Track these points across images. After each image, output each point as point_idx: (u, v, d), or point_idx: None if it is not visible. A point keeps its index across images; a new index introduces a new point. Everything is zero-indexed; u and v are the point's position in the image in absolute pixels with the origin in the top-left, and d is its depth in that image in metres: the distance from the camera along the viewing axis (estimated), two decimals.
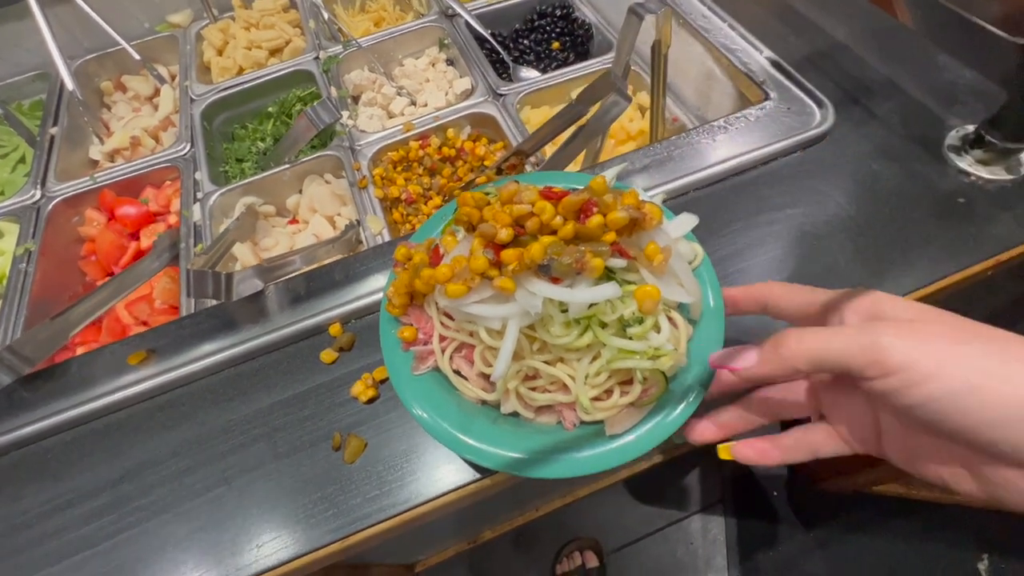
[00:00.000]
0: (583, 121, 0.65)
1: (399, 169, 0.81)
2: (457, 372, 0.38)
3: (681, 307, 0.36)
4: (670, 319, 0.35)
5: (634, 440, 0.34)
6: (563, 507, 1.51)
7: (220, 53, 0.99)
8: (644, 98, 0.82)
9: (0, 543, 0.44)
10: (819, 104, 0.59)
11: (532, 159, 0.75)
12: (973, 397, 0.24)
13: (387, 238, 0.70)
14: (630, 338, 0.33)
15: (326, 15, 0.98)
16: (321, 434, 0.46)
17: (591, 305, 0.33)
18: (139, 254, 0.83)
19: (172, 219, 0.84)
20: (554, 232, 0.34)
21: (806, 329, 0.29)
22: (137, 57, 0.96)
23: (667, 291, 0.34)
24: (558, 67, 0.96)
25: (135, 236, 0.84)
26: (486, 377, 0.38)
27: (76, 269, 0.82)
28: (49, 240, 0.78)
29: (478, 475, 0.43)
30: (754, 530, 1.58)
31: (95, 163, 0.95)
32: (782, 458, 0.34)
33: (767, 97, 0.61)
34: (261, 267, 0.53)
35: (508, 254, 0.32)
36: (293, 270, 0.58)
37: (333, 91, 0.89)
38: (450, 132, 0.82)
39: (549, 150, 0.74)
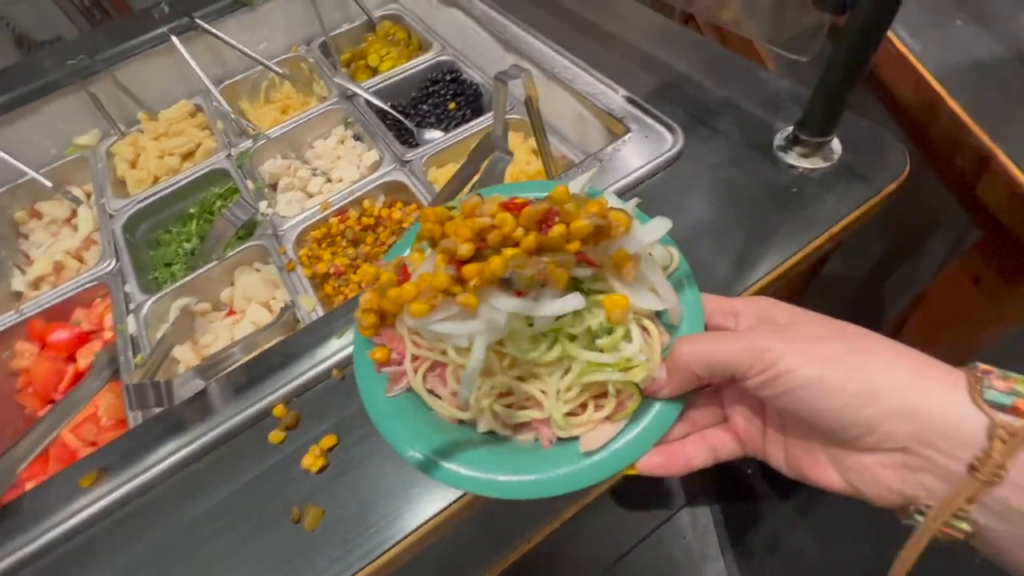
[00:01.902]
0: (476, 178, 0.73)
1: (324, 245, 0.86)
2: (431, 392, 0.39)
3: (659, 314, 0.36)
4: (644, 328, 0.35)
5: (608, 457, 0.35)
6: (554, 532, 1.53)
7: (133, 166, 1.03)
8: (534, 143, 0.91)
9: None
10: (670, 129, 0.69)
11: None
12: (821, 386, 0.28)
13: (320, 313, 0.75)
14: (600, 350, 0.34)
15: (232, 115, 1.04)
16: (280, 511, 0.49)
17: (558, 318, 0.33)
18: (78, 375, 0.83)
19: (107, 335, 0.85)
20: (516, 244, 0.34)
21: (695, 336, 0.33)
22: (48, 184, 0.98)
23: (637, 299, 0.34)
24: (458, 125, 1.05)
25: (71, 359, 0.84)
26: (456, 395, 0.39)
27: (14, 404, 0.82)
28: None
29: (436, 510, 0.47)
30: (739, 511, 1.64)
31: (19, 295, 0.95)
32: (687, 464, 0.35)
33: (628, 130, 0.71)
34: (201, 367, 0.57)
35: (469, 269, 0.33)
36: (234, 362, 0.62)
37: (250, 184, 0.94)
38: (366, 203, 0.88)
39: None
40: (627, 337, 0.35)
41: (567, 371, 0.35)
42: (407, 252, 0.43)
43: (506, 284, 0.34)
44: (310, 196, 0.97)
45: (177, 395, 0.53)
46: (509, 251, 0.33)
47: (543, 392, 0.36)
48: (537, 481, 0.35)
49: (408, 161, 0.90)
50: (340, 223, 0.87)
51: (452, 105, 1.07)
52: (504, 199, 0.36)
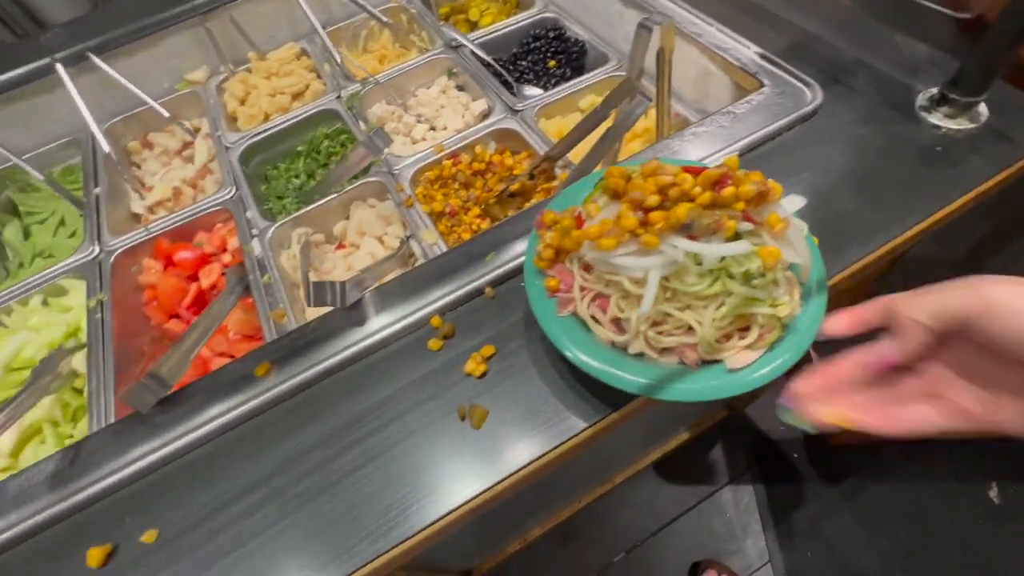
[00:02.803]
0: (608, 123, 0.75)
1: (436, 187, 0.89)
2: (592, 318, 0.47)
3: (792, 269, 0.45)
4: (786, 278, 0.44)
5: (755, 372, 0.43)
6: (602, 496, 1.57)
7: (242, 103, 1.06)
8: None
9: (170, 546, 0.48)
10: (807, 85, 0.70)
11: (560, 163, 0.84)
12: None
13: (443, 247, 0.78)
14: (753, 288, 0.41)
15: (338, 58, 1.06)
16: (446, 410, 0.52)
17: (722, 259, 0.41)
18: (200, 293, 0.88)
19: (226, 258, 0.90)
20: (691, 200, 0.42)
21: (914, 291, 0.35)
22: (166, 114, 1.02)
23: (785, 252, 0.42)
24: (556, 83, 1.06)
25: (194, 277, 0.89)
26: (617, 322, 0.46)
27: (141, 315, 0.87)
28: (116, 290, 0.83)
29: (596, 418, 0.50)
30: (782, 493, 1.67)
31: (138, 217, 1.00)
32: (904, 427, 0.36)
33: (762, 85, 0.72)
34: (357, 278, 0.60)
35: (656, 215, 0.41)
36: (369, 285, 0.65)
37: (361, 125, 0.97)
38: (478, 148, 0.90)
39: (574, 154, 0.83)
40: (775, 281, 0.43)
41: (721, 305, 0.43)
42: (564, 205, 0.53)
43: (683, 229, 0.42)
44: (415, 142, 1.00)
45: (348, 297, 0.56)
46: (686, 204, 0.42)
47: (697, 321, 0.43)
48: (699, 387, 0.43)
49: (519, 111, 0.92)
50: (453, 166, 0.89)
51: (552, 63, 1.08)
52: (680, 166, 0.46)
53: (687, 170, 0.43)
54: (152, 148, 1.09)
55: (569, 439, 0.50)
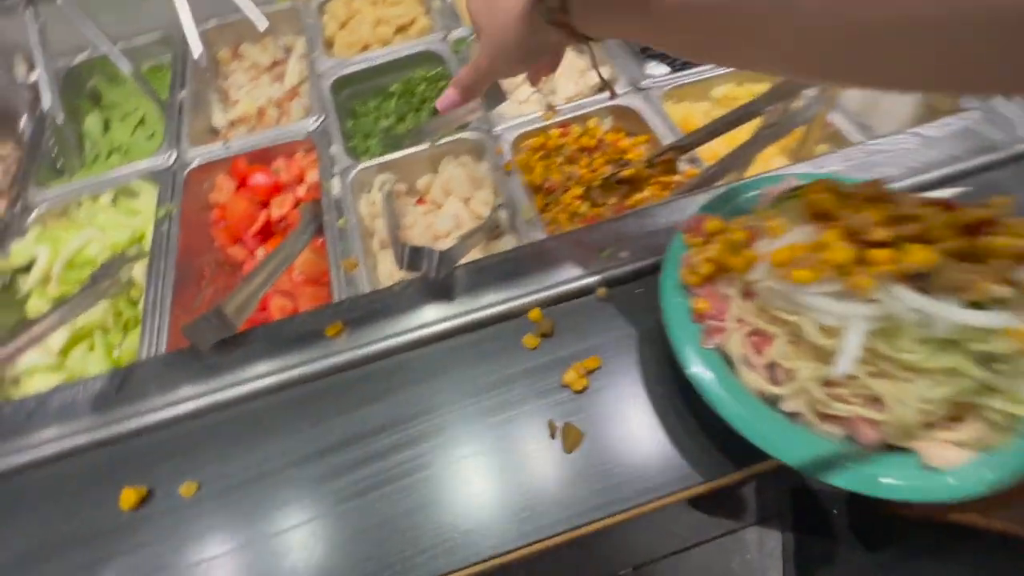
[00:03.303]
0: (759, 122, 0.64)
1: (537, 156, 0.80)
2: (744, 357, 0.38)
3: None
4: None
5: (963, 478, 0.33)
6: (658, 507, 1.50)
7: (343, 27, 0.99)
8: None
9: (206, 504, 0.43)
10: None
11: (685, 157, 0.73)
12: None
13: (538, 225, 0.69)
14: (996, 374, 0.32)
15: None
16: (535, 421, 0.45)
17: (961, 329, 0.31)
18: (269, 223, 0.83)
19: (301, 191, 0.84)
20: (930, 242, 0.32)
21: None
22: (264, 25, 0.95)
23: None
24: (686, 64, 0.94)
25: (265, 205, 0.83)
26: (772, 369, 0.37)
27: (207, 235, 0.82)
28: (187, 204, 0.78)
29: (714, 474, 0.42)
30: (812, 547, 1.56)
31: (217, 130, 0.95)
32: None
33: (964, 107, 0.59)
34: (454, 248, 0.52)
35: (880, 254, 0.31)
36: (459, 257, 0.57)
37: None
38: (591, 123, 0.81)
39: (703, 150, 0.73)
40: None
41: (938, 385, 0.33)
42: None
43: (914, 279, 0.32)
44: (518, 103, 0.90)
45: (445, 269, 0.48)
46: (925, 247, 0.32)
47: (898, 399, 0.33)
48: (884, 483, 0.34)
49: (645, 88, 0.81)
50: (560, 137, 0.80)
51: None
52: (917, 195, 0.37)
53: (934, 204, 0.33)
54: (242, 60, 1.04)
55: (674, 492, 0.42)
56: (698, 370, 0.39)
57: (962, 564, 1.50)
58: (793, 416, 0.38)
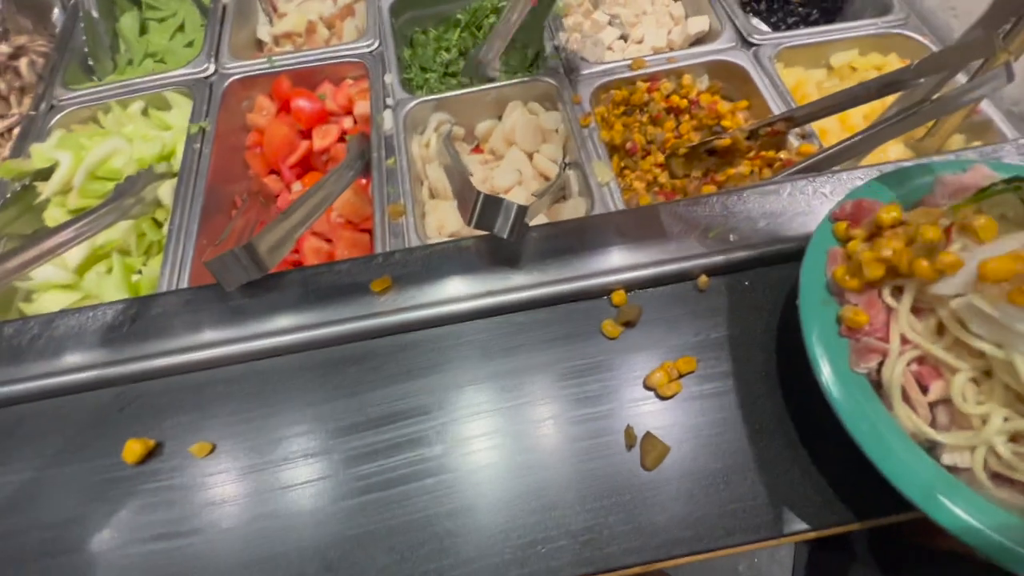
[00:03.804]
0: (891, 100, 0.53)
1: (619, 112, 0.70)
2: (903, 390, 0.30)
3: None
4: None
5: None
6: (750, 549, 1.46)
7: None
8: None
9: (219, 465, 0.37)
10: None
11: (797, 130, 0.62)
12: None
13: (616, 191, 0.60)
14: None
15: None
16: (610, 426, 0.37)
17: None
18: (308, 155, 0.75)
19: (347, 123, 0.75)
20: None
21: None
22: None
23: None
24: (796, 24, 0.81)
25: (307, 134, 0.75)
26: (937, 409, 0.29)
27: (241, 160, 0.75)
28: (223, 122, 0.71)
29: (826, 522, 0.34)
30: (824, 561, 1.50)
31: (261, 44, 0.86)
32: None
33: None
34: (532, 206, 0.44)
35: None
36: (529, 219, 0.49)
37: None
38: (686, 79, 0.69)
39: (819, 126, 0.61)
40: None
41: None
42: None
43: None
44: (599, 48, 0.79)
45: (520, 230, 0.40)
46: None
47: None
48: None
49: (756, 45, 0.69)
50: (647, 92, 0.69)
51: None
52: None
53: None
54: None
55: (772, 537, 0.34)
56: (843, 396, 0.30)
57: None
58: (954, 471, 0.30)
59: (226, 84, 0.73)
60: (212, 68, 0.74)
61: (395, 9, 0.80)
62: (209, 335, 0.42)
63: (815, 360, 0.31)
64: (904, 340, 0.30)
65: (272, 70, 0.74)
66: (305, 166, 0.76)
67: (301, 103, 0.74)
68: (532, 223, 0.46)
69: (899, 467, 0.29)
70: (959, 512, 0.28)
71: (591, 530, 0.34)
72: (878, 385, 0.31)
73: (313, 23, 0.82)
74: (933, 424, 0.30)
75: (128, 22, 0.87)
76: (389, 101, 0.70)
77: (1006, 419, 0.27)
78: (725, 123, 0.68)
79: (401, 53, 0.79)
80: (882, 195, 0.35)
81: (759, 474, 0.35)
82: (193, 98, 0.72)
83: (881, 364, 0.31)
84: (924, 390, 0.30)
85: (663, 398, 0.38)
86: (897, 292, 0.31)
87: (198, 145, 0.67)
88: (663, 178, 0.67)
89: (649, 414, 0.38)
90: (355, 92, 0.75)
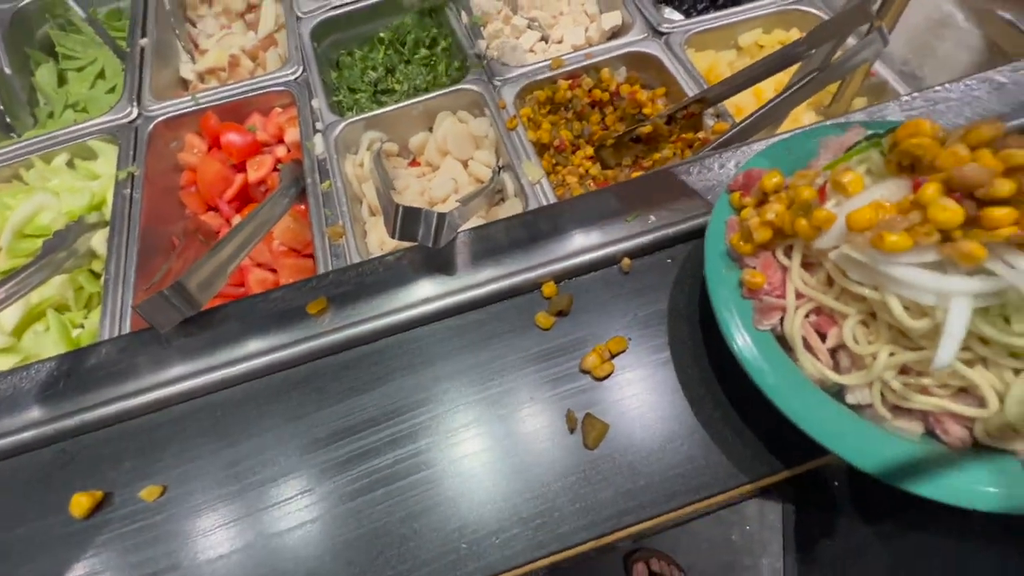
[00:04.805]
0: (792, 71, 0.56)
1: (545, 111, 0.72)
2: (804, 340, 0.32)
3: None
4: None
5: None
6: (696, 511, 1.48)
7: None
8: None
9: (172, 509, 0.37)
10: None
11: (711, 110, 0.66)
12: None
13: (547, 188, 0.62)
14: None
15: None
16: (551, 412, 0.39)
17: None
18: (245, 187, 0.74)
19: (280, 151, 0.75)
20: None
21: None
22: None
23: None
24: (704, 9, 0.85)
25: (240, 167, 0.75)
26: (836, 354, 0.31)
27: (176, 200, 0.74)
28: (151, 165, 0.70)
29: (760, 473, 0.36)
30: (813, 519, 1.55)
31: (184, 82, 0.85)
32: None
33: None
34: (455, 213, 0.45)
35: (999, 213, 0.24)
36: (460, 224, 0.50)
37: (464, 17, 0.78)
38: (604, 72, 0.72)
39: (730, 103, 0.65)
40: None
41: None
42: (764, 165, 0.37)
43: None
44: (520, 52, 0.81)
45: (444, 237, 0.41)
46: None
47: (997, 391, 0.28)
48: (981, 491, 0.28)
49: (665, 33, 0.72)
50: (569, 89, 0.71)
51: None
52: None
53: None
54: (211, 4, 0.93)
55: (715, 494, 0.36)
56: (751, 354, 0.32)
57: (962, 534, 1.50)
58: (859, 409, 0.32)
59: (151, 127, 0.72)
60: (135, 112, 0.74)
61: (316, 35, 0.80)
62: (149, 379, 0.42)
63: (723, 323, 0.33)
64: (799, 294, 0.33)
65: (198, 107, 0.74)
66: (243, 199, 0.76)
67: (231, 137, 0.74)
68: (468, 226, 0.48)
69: (805, 412, 0.31)
70: (860, 446, 0.30)
71: (542, 514, 0.36)
72: (783, 340, 0.34)
73: (236, 56, 0.82)
74: (836, 368, 0.33)
75: (45, 75, 0.86)
76: (319, 125, 0.70)
77: (891, 354, 0.30)
78: (646, 111, 0.71)
79: (327, 77, 0.80)
80: (774, 164, 0.38)
81: (694, 438, 0.37)
82: (119, 144, 0.71)
83: (782, 320, 0.33)
84: (823, 338, 0.33)
85: (599, 379, 0.40)
86: (788, 251, 0.33)
87: (128, 191, 0.66)
88: (594, 170, 0.69)
89: (587, 396, 0.39)
90: (284, 120, 0.75)
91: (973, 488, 0.28)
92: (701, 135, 0.66)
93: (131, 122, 0.73)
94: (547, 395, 0.39)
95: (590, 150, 0.70)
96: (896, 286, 0.28)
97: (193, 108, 0.74)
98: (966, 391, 0.29)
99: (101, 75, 0.87)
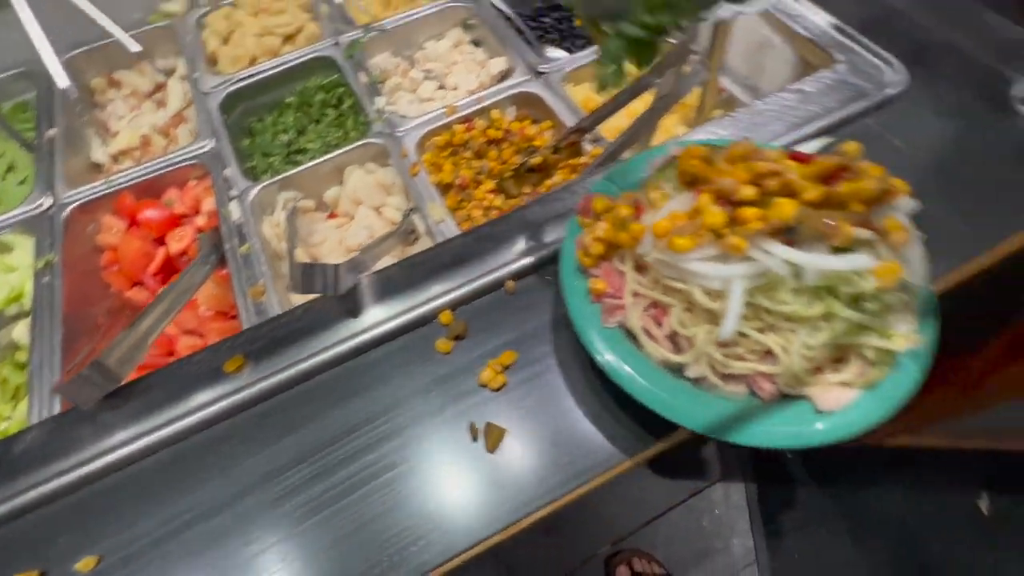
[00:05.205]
0: (654, 93, 0.65)
1: (445, 154, 0.78)
2: (645, 331, 0.38)
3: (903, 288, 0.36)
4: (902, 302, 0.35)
5: (852, 418, 0.34)
6: (588, 491, 1.53)
7: (226, 41, 0.93)
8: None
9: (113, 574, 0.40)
10: (888, 65, 0.60)
11: (589, 136, 0.74)
12: None
13: (452, 225, 0.68)
14: (864, 314, 0.33)
15: None
16: (455, 426, 0.44)
17: (828, 275, 0.32)
18: (168, 259, 0.77)
19: (200, 220, 0.79)
20: (793, 195, 0.33)
21: None
22: (136, 48, 0.88)
23: (905, 270, 0.33)
24: (584, 45, 0.95)
25: (161, 241, 0.78)
26: (674, 338, 0.37)
27: (99, 281, 0.76)
28: (69, 251, 0.72)
29: (637, 449, 0.42)
30: (773, 493, 1.64)
31: (99, 166, 0.87)
32: None
33: (835, 61, 0.62)
34: (354, 260, 0.50)
35: (749, 212, 0.31)
36: (367, 266, 0.55)
37: (362, 77, 0.85)
38: (495, 114, 0.80)
39: (606, 128, 0.73)
40: (889, 306, 0.34)
41: (817, 331, 0.34)
42: (608, 189, 0.45)
43: (782, 233, 0.33)
44: (420, 101, 0.88)
45: (342, 284, 0.46)
46: (790, 200, 0.33)
47: (783, 348, 0.35)
48: (779, 431, 0.35)
49: (544, 73, 0.81)
50: (465, 132, 0.78)
51: (579, 21, 0.96)
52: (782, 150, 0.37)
53: (792, 157, 0.34)
54: (119, 88, 0.96)
55: (602, 473, 0.42)
56: (602, 350, 0.39)
57: (902, 484, 1.61)
58: (699, 381, 0.39)
59: (66, 213, 0.74)
60: (48, 201, 0.75)
61: (225, 107, 0.85)
62: (77, 456, 0.44)
63: (577, 326, 0.39)
64: (635, 293, 0.39)
65: (112, 189, 0.77)
66: (168, 271, 0.78)
67: (149, 213, 0.77)
68: (376, 267, 0.53)
69: (643, 391, 0.37)
70: (691, 411, 0.36)
71: (453, 518, 0.40)
72: (631, 333, 0.40)
73: (147, 136, 0.85)
74: (678, 352, 0.39)
75: None
76: (233, 192, 0.74)
77: (708, 332, 0.36)
78: (536, 143, 0.78)
79: (240, 145, 0.84)
80: (612, 188, 0.45)
81: (579, 428, 0.43)
82: (35, 235, 0.72)
83: (624, 317, 0.39)
84: (661, 327, 0.39)
85: (495, 390, 0.45)
86: (624, 260, 0.40)
87: (48, 279, 0.68)
88: (498, 201, 0.76)
89: (486, 407, 0.44)
90: (200, 191, 0.78)
91: (769, 431, 0.35)
92: (583, 159, 0.74)
93: (45, 211, 0.75)
94: (451, 411, 0.44)
95: (491, 184, 0.76)
96: (694, 277, 0.35)
97: (108, 190, 0.77)
98: (770, 353, 0.36)
99: (10, 168, 0.88)
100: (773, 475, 1.65)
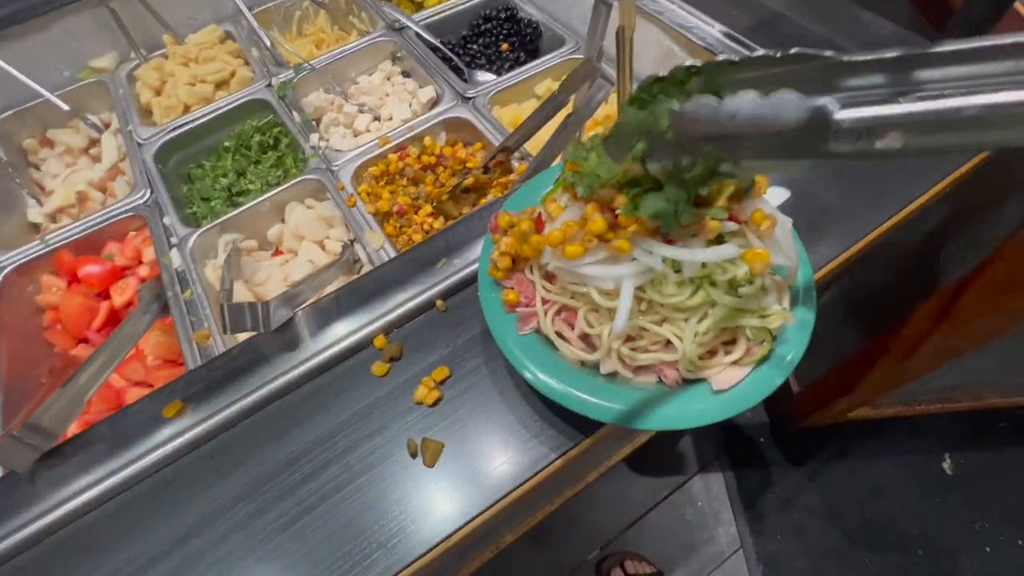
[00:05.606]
0: (568, 109, 0.69)
1: (383, 183, 0.81)
2: (558, 334, 0.41)
3: (778, 271, 0.40)
4: (775, 283, 0.38)
5: (739, 396, 0.38)
6: (574, 496, 1.54)
7: (158, 93, 0.94)
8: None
9: None
10: None
11: (516, 154, 0.77)
12: None
13: (390, 251, 0.70)
14: (740, 298, 0.36)
15: (268, 41, 0.96)
16: (395, 446, 0.45)
17: (704, 265, 0.36)
18: (113, 312, 0.77)
19: (144, 271, 0.79)
20: None
21: None
22: (66, 108, 0.89)
23: (773, 255, 0.36)
24: (511, 67, 0.99)
25: (104, 295, 0.77)
26: (586, 339, 0.40)
27: (42, 341, 0.75)
28: (6, 315, 0.71)
29: (567, 446, 0.44)
30: (751, 478, 1.68)
31: (36, 227, 0.87)
32: None
33: None
34: (288, 293, 0.52)
35: (627, 219, 0.34)
36: (305, 298, 0.57)
37: (296, 116, 0.87)
38: (427, 140, 0.83)
39: (532, 145, 0.77)
40: (763, 288, 0.38)
41: (703, 317, 0.38)
42: (522, 204, 0.48)
43: (660, 232, 0.36)
44: (357, 134, 0.91)
45: (272, 320, 0.48)
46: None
47: (677, 336, 0.38)
48: (681, 413, 0.38)
49: (471, 97, 0.84)
50: (400, 160, 0.81)
51: (505, 46, 1.01)
52: None
53: None
54: (52, 147, 0.96)
55: (537, 473, 0.44)
56: (520, 357, 0.41)
57: (870, 455, 1.66)
58: (613, 376, 0.41)
59: (1, 277, 0.73)
60: None
61: (160, 157, 0.86)
62: (18, 519, 0.44)
63: (496, 336, 0.42)
64: (545, 300, 0.42)
65: (48, 249, 0.76)
66: (114, 324, 0.78)
67: (89, 269, 0.77)
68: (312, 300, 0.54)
69: (566, 396, 0.39)
70: (610, 404, 0.39)
71: (396, 534, 0.41)
72: (547, 338, 0.43)
73: (83, 192, 0.85)
74: (591, 351, 0.42)
75: None
76: (173, 240, 0.75)
77: (610, 331, 0.39)
78: (469, 164, 0.81)
79: (178, 193, 0.85)
80: (522, 204, 0.48)
81: (511, 433, 0.45)
82: None
83: (537, 324, 0.42)
84: (573, 329, 0.42)
85: (431, 406, 0.47)
86: (532, 270, 0.43)
87: None
88: (437, 224, 0.78)
89: (423, 423, 0.46)
90: (140, 241, 0.79)
91: (673, 414, 0.37)
92: (512, 177, 0.77)
93: None
94: (390, 431, 0.46)
95: (429, 208, 0.79)
96: (590, 280, 0.38)
97: (44, 250, 0.76)
98: (670, 343, 0.39)
99: None
100: (749, 460, 1.70)
